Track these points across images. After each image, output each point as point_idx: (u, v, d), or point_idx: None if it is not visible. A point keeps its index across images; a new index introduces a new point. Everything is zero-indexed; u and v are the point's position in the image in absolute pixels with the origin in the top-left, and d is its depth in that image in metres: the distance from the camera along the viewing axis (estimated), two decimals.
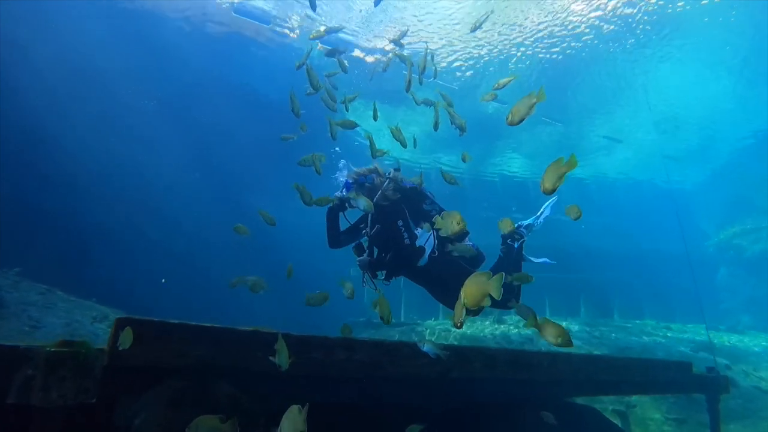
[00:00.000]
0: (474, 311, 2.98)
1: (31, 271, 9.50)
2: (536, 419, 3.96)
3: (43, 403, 1.88)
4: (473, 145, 18.20)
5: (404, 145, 4.87)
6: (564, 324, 12.35)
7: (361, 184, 4.68)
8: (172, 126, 15.44)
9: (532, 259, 5.11)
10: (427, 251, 4.50)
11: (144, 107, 14.82)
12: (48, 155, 13.72)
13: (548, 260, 5.11)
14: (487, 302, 2.41)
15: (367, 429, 3.11)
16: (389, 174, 4.70)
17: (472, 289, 2.44)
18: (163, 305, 11.42)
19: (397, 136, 4.70)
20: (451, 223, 2.73)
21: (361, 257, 4.70)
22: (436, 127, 4.54)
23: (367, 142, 4.92)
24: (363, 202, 3.98)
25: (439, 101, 4.66)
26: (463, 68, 15.32)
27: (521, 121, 2.87)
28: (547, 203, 5.24)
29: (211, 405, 2.29)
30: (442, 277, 4.59)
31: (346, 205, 4.76)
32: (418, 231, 4.57)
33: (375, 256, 4.69)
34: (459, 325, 2.74)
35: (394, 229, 4.41)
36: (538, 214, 5.22)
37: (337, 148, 5.12)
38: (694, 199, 23.06)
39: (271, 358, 2.33)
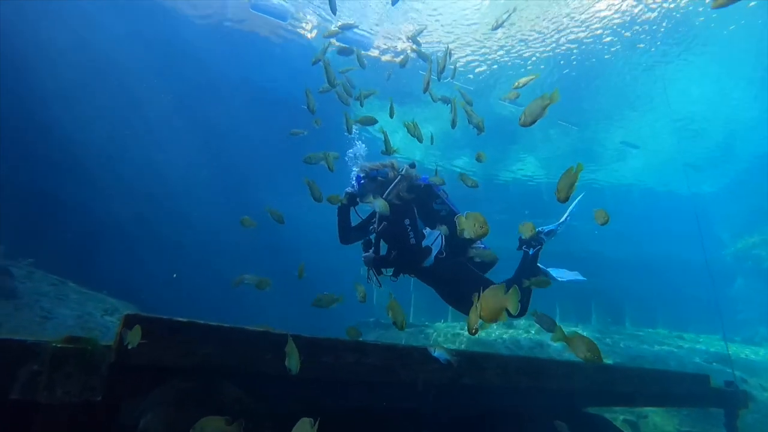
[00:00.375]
0: None
1: (44, 262, 9.61)
2: (548, 429, 3.86)
3: (47, 400, 1.84)
4: (487, 147, 18.02)
5: (420, 140, 4.79)
6: (575, 330, 12.15)
7: (373, 177, 4.60)
8: (186, 122, 15.53)
9: (558, 277, 4.78)
10: (434, 252, 4.41)
11: (158, 103, 14.92)
12: (63, 148, 13.89)
13: (579, 276, 4.80)
14: (504, 318, 2.32)
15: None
16: (402, 170, 4.61)
17: (489, 303, 2.35)
18: (174, 300, 11.48)
19: (412, 131, 4.61)
20: (473, 225, 2.63)
21: (366, 254, 4.62)
22: (453, 124, 4.44)
23: (381, 138, 4.83)
24: (379, 205, 3.90)
25: (456, 98, 4.55)
26: (479, 69, 15.18)
27: (534, 122, 2.85)
28: (572, 203, 5.06)
29: (218, 406, 2.24)
30: (450, 279, 4.50)
31: (357, 200, 4.69)
32: (426, 230, 4.49)
33: (381, 254, 4.61)
34: (473, 331, 2.67)
35: (400, 228, 4.32)
36: (562, 220, 5.01)
37: (355, 130, 5.04)
38: (711, 207, 22.63)
39: (282, 361, 2.27)
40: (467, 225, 2.68)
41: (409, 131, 4.62)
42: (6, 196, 11.99)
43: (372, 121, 4.90)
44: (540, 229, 4.82)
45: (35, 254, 9.70)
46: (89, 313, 7.85)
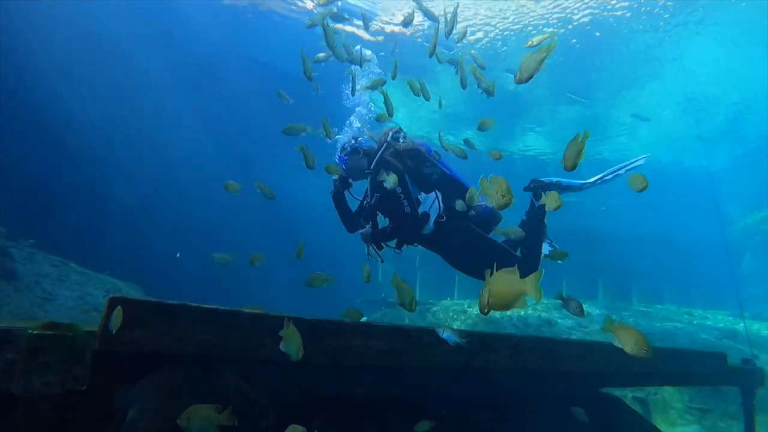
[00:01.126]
0: None
1: (46, 243, 9.51)
2: (560, 412, 3.73)
3: (23, 391, 1.69)
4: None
5: (428, 99, 4.56)
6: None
7: (354, 150, 4.38)
8: (189, 100, 15.25)
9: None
10: (433, 217, 4.22)
11: (160, 82, 14.61)
12: (64, 129, 13.70)
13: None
14: (524, 304, 2.02)
15: (378, 422, 2.91)
16: (389, 137, 4.36)
17: (500, 289, 1.98)
18: (178, 281, 11.42)
19: (417, 91, 4.36)
20: (496, 192, 2.39)
21: (363, 230, 4.45)
22: (463, 84, 4.20)
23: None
24: (390, 181, 3.69)
25: (463, 55, 4.30)
26: (482, 38, 14.71)
27: (530, 78, 2.66)
28: (625, 164, 4.71)
29: (215, 395, 2.08)
30: (454, 244, 4.32)
31: (350, 181, 4.50)
32: (422, 196, 4.29)
33: (379, 228, 4.42)
34: (485, 312, 2.49)
35: (393, 198, 4.10)
36: (593, 179, 4.62)
37: (359, 92, 4.83)
38: (720, 182, 22.26)
39: (281, 347, 2.10)
40: (489, 191, 2.44)
41: (413, 91, 4.38)
42: (7, 178, 11.87)
43: (380, 83, 4.67)
44: (557, 180, 4.50)
45: (37, 236, 9.59)
46: (91, 294, 7.77)
